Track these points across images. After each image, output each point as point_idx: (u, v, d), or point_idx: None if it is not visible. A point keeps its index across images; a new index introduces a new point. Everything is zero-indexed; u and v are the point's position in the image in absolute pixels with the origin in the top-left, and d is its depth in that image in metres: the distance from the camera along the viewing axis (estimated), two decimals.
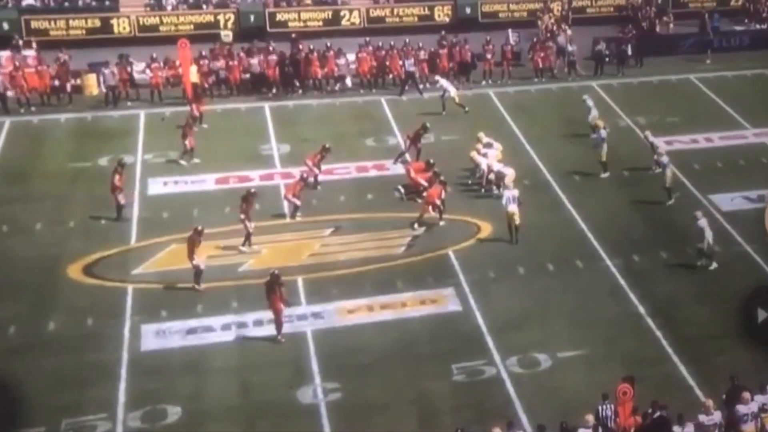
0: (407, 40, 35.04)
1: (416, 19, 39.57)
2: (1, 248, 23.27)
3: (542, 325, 20.93)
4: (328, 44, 34.56)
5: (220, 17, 37.65)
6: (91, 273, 22.59)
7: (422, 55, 34.86)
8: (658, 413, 16.44)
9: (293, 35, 35.97)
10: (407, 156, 28.35)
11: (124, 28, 36.96)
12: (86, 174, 27.26)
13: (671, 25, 40.45)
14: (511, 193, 24.55)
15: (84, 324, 20.64)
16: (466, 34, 36.42)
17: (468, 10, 39.93)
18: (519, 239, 24.08)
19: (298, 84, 33.72)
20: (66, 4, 37.49)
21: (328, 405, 18.34)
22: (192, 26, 37.42)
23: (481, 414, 17.62)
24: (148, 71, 32.86)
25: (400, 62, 34.20)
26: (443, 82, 32.73)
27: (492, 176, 26.38)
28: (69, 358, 19.47)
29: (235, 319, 20.88)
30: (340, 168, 27.83)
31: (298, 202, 25.02)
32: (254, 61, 33.86)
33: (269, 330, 20.37)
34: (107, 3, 37.72)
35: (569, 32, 37.15)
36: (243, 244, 23.45)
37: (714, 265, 23.11)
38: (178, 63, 33.00)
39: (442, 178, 25.35)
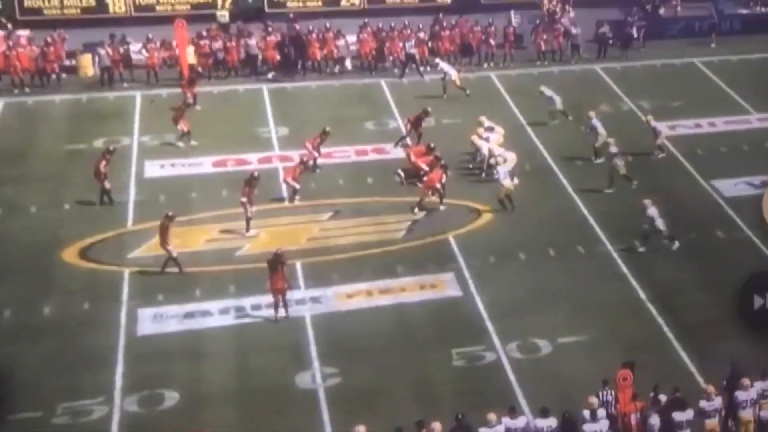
0: (406, 22, 35.03)
1: (417, 0, 39.48)
2: None
3: (543, 311, 21.08)
4: (328, 25, 34.57)
5: None
6: (87, 256, 22.71)
7: (422, 36, 34.87)
8: (675, 394, 16.66)
9: (291, 15, 35.95)
10: (408, 140, 28.44)
11: (120, 8, 36.86)
12: (81, 156, 27.29)
13: (678, 8, 40.41)
14: (504, 169, 24.83)
15: (80, 308, 20.78)
16: (468, 16, 36.43)
17: None
18: (520, 225, 24.22)
19: (300, 65, 33.64)
20: None
21: (326, 390, 18.50)
22: (189, 6, 37.24)
23: (481, 399, 17.74)
24: (144, 52, 32.87)
25: (401, 44, 34.23)
26: (443, 65, 32.77)
27: (493, 161, 26.51)
28: (65, 342, 19.62)
29: (233, 304, 21.02)
30: (339, 151, 27.91)
31: (297, 186, 25.12)
32: (252, 42, 33.87)
33: (267, 314, 20.54)
34: None
35: (572, 14, 37.15)
36: (247, 230, 23.48)
37: (676, 244, 23.41)
38: (174, 44, 33.03)
39: (443, 162, 25.49)
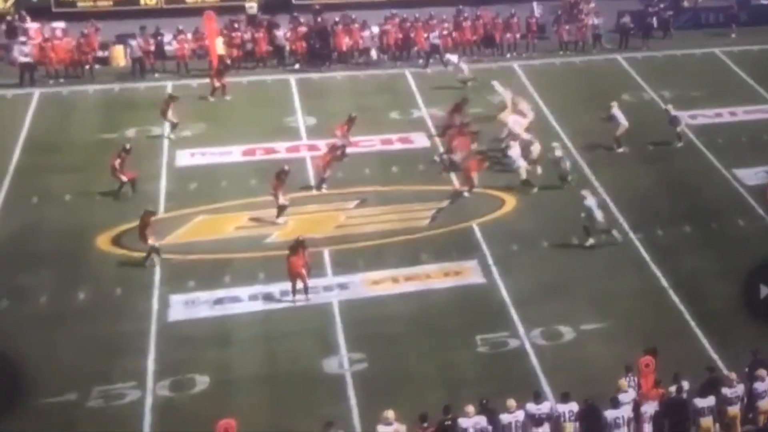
0: (432, 13, 34.79)
1: None
2: (32, 219, 23.41)
3: (565, 298, 20.89)
4: (353, 16, 34.37)
5: None
6: (120, 243, 22.71)
7: (446, 27, 34.62)
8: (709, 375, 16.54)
9: (317, 7, 35.80)
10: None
11: (151, 0, 36.88)
12: (114, 145, 27.15)
13: None
14: (516, 151, 25.49)
15: (113, 294, 20.79)
16: (491, 7, 36.14)
17: None
18: (542, 213, 24.10)
19: (330, 56, 33.45)
20: None
21: (353, 375, 18.43)
22: None
23: (505, 385, 17.59)
24: (174, 43, 32.84)
25: (425, 35, 34.01)
26: (452, 58, 32.41)
27: (504, 144, 26.33)
28: (99, 328, 19.62)
29: (262, 290, 20.96)
30: (365, 141, 27.74)
31: (327, 174, 24.97)
32: (279, 33, 33.77)
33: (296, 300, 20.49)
34: None
35: (592, 4, 36.79)
36: (277, 216, 23.40)
37: (616, 234, 22.88)
38: (205, 35, 33.00)
39: (483, 153, 25.53)
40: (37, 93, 30.65)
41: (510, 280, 21.42)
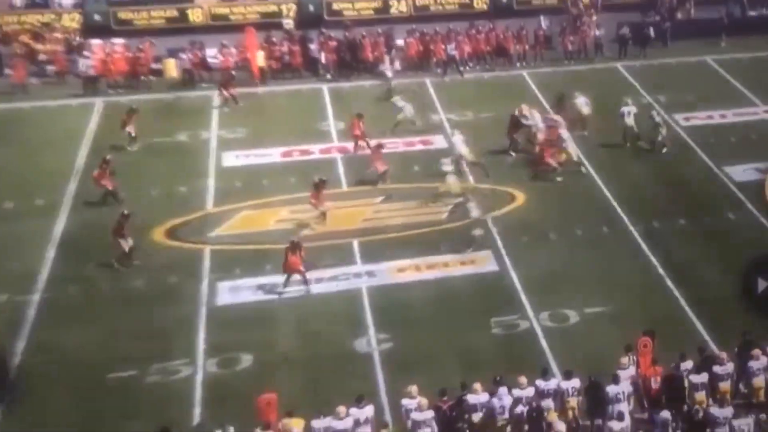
0: (450, 27, 34.67)
1: (457, 6, 38.95)
2: (95, 215, 23.52)
3: (571, 284, 20.79)
4: (379, 31, 34.29)
5: (283, 7, 37.39)
6: (173, 236, 22.85)
7: (461, 39, 34.50)
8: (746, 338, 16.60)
9: (348, 23, 35.77)
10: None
11: (198, 17, 37.02)
12: (167, 148, 27.50)
13: (692, 11, 39.45)
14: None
15: (167, 281, 20.94)
16: (502, 20, 35.94)
17: None
18: (550, 208, 23.97)
19: (359, 67, 33.27)
20: None
21: (380, 353, 18.47)
22: (258, 15, 37.27)
23: (517, 363, 17.57)
24: (219, 56, 32.96)
25: (443, 47, 33.93)
26: (387, 72, 31.77)
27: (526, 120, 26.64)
28: (155, 311, 19.77)
29: (299, 277, 20.97)
30: (390, 143, 27.65)
31: (383, 168, 24.97)
32: (313, 46, 33.78)
33: (328, 287, 20.62)
34: None
35: (595, 17, 36.52)
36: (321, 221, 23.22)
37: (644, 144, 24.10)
38: (246, 48, 33.06)
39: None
40: (99, 102, 30.88)
41: (521, 268, 21.33)
